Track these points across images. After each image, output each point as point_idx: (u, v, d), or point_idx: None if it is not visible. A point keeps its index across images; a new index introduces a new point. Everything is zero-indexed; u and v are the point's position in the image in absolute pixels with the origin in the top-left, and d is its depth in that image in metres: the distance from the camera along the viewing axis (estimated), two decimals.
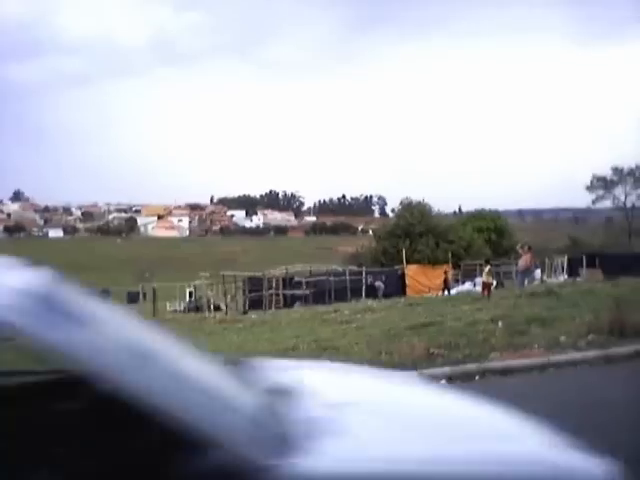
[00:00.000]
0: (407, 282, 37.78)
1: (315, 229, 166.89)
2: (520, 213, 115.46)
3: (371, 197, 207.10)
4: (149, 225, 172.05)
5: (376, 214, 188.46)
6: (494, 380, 8.32)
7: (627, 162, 64.49)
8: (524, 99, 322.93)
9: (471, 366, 8.86)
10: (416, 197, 53.86)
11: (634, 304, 11.84)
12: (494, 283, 26.01)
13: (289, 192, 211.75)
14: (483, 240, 51.66)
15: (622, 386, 7.80)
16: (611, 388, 7.66)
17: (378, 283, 34.80)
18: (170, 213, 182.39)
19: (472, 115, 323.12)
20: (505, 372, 8.75)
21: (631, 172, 63.52)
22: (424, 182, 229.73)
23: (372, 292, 33.27)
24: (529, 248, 23.56)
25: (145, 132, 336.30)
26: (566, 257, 41.15)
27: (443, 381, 8.08)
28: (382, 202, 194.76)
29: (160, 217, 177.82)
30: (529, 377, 8.58)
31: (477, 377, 8.56)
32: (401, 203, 53.90)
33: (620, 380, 8.19)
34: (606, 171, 65.38)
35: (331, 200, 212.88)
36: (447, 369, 8.73)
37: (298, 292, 33.49)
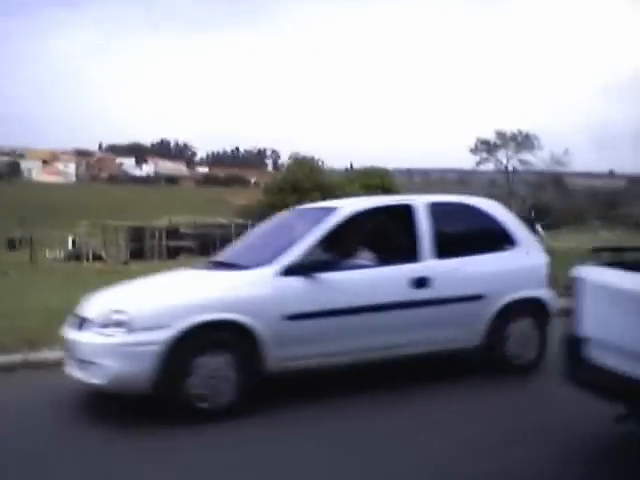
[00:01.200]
0: None
1: (207, 180, 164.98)
2: (409, 172, 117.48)
3: (265, 150, 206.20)
4: (33, 170, 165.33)
5: (269, 168, 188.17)
6: None
7: (510, 126, 67.31)
8: (415, 57, 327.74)
9: None
10: (308, 152, 54.19)
11: None
12: None
13: (181, 141, 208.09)
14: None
15: None
16: None
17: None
18: (56, 158, 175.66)
19: (367, 73, 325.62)
20: None
21: (514, 137, 65.04)
22: (317, 137, 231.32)
23: None
24: None
25: (33, 74, 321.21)
26: None
27: None
28: (275, 156, 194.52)
29: (45, 162, 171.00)
30: None
31: None
32: (290, 157, 54.14)
33: None
34: (490, 134, 67.06)
35: (224, 151, 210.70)
36: None
37: (182, 243, 33.48)
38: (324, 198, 49.18)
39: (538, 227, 39.91)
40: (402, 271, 6.73)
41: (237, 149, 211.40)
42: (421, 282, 6.70)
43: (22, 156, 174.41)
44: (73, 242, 36.14)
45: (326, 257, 6.68)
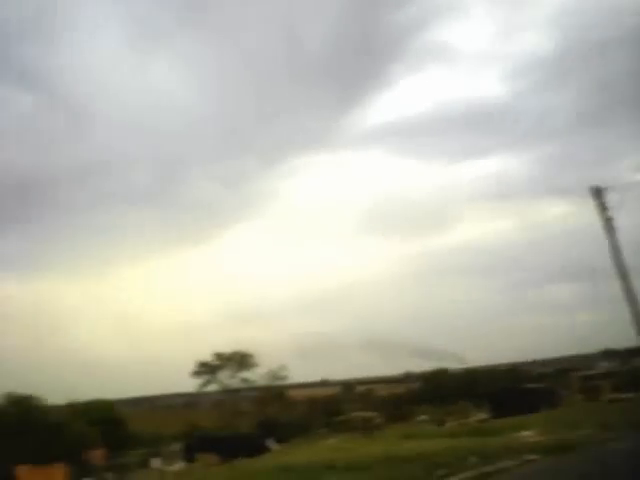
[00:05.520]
0: None
1: None
2: (135, 401, 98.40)
3: None
4: None
5: None
6: None
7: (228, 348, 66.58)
8: None
9: None
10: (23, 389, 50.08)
11: None
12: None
13: None
14: (98, 432, 49.49)
15: None
16: None
17: None
18: None
19: None
20: None
21: (231, 357, 66.63)
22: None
23: None
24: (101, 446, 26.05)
25: None
26: (180, 444, 45.87)
27: None
28: None
29: None
30: None
31: None
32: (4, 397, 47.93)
33: None
34: (209, 357, 68.53)
35: None
36: None
37: None
38: (48, 439, 42.31)
39: (271, 441, 46.64)
40: None
41: None
42: None
43: None
44: None
45: None
